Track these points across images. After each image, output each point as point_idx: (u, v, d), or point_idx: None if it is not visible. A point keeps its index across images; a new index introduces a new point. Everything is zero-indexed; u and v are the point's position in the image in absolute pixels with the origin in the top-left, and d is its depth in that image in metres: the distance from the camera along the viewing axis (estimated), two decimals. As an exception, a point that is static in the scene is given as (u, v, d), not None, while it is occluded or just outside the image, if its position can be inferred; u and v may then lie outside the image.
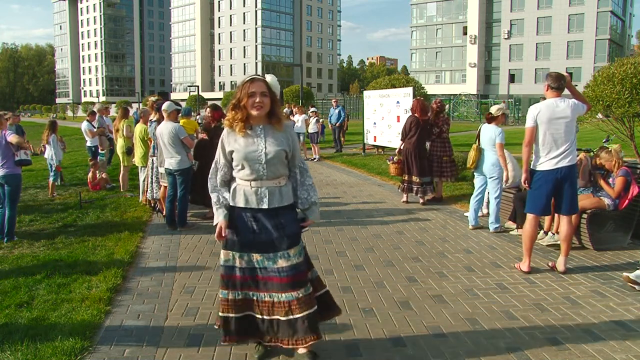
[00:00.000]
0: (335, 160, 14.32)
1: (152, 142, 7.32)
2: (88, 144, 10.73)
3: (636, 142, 8.06)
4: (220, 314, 3.06)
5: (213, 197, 3.04)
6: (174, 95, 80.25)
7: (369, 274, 4.80)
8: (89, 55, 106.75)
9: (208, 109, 7.54)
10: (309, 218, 3.07)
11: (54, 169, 9.71)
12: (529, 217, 4.83)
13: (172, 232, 6.48)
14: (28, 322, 3.74)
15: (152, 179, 7.37)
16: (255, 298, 3.00)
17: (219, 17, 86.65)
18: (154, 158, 7.21)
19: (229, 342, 3.10)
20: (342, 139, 17.38)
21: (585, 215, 5.46)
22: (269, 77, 2.98)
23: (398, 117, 11.63)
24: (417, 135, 7.85)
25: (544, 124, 4.56)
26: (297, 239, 2.98)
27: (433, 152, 8.19)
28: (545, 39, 57.05)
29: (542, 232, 5.82)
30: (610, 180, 5.59)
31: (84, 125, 10.76)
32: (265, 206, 2.93)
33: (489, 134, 6.24)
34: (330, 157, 15.21)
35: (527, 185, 4.78)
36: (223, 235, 2.98)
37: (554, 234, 5.62)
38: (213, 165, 3.09)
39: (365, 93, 14.18)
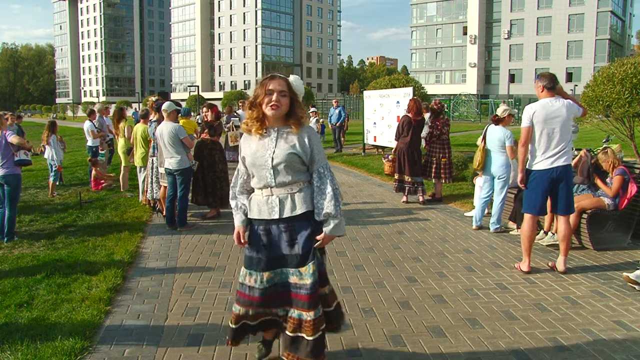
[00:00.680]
0: (335, 160, 14.31)
1: (152, 142, 7.33)
2: (89, 143, 10.73)
3: (636, 142, 8.06)
4: (232, 325, 2.89)
5: (232, 203, 2.92)
6: (174, 95, 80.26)
7: (369, 274, 4.80)
8: (89, 55, 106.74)
9: (204, 108, 7.65)
10: (324, 232, 2.72)
11: (54, 169, 9.71)
12: (526, 217, 4.85)
13: (172, 232, 6.48)
14: (28, 322, 3.74)
15: (152, 179, 7.38)
16: (266, 312, 2.85)
17: (219, 17, 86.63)
18: (154, 158, 7.21)
19: (234, 344, 2.97)
20: (343, 139, 17.37)
21: (585, 215, 5.46)
22: (292, 77, 2.75)
23: (398, 117, 11.61)
24: (410, 135, 7.89)
25: (539, 124, 4.60)
26: (309, 257, 2.69)
27: (432, 153, 8.20)
28: (545, 39, 57.06)
29: (542, 232, 5.82)
30: (608, 180, 5.59)
31: (87, 126, 10.75)
32: (276, 216, 2.71)
33: (498, 135, 6.23)
34: (330, 157, 15.20)
35: (523, 185, 4.79)
36: (242, 241, 2.84)
37: (553, 234, 5.62)
38: (236, 172, 2.93)
39: (365, 93, 14.17)
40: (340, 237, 6.08)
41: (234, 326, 2.87)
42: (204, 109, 7.61)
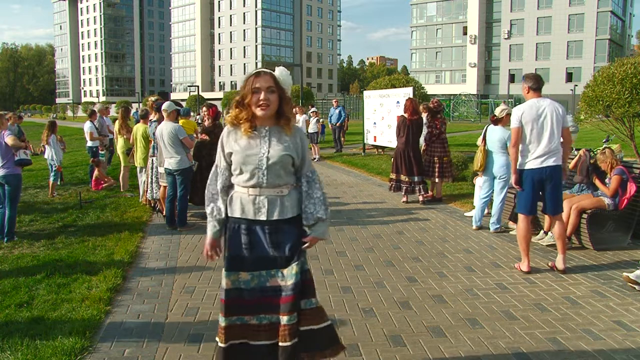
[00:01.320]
0: (335, 160, 14.32)
1: (152, 142, 7.33)
2: (89, 144, 10.72)
3: (636, 142, 8.06)
4: (219, 343, 2.62)
5: (207, 208, 2.69)
6: (174, 95, 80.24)
7: (369, 274, 4.80)
8: (89, 55, 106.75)
9: (204, 108, 7.65)
10: (312, 235, 2.63)
11: (54, 169, 9.71)
12: (520, 217, 4.89)
13: (172, 232, 6.48)
14: (28, 322, 3.73)
15: (152, 179, 7.38)
16: (247, 323, 2.61)
17: (219, 17, 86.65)
18: (154, 158, 7.22)
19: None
20: (343, 139, 17.38)
21: (585, 215, 5.46)
22: (278, 71, 2.59)
23: (398, 117, 11.61)
24: (406, 135, 7.91)
25: (528, 124, 4.65)
26: (294, 259, 2.55)
27: (433, 153, 8.20)
28: (545, 39, 57.05)
29: (542, 232, 5.83)
30: (607, 180, 5.60)
31: (87, 126, 10.73)
32: (263, 217, 2.55)
33: (498, 135, 6.22)
34: (330, 157, 15.21)
35: (518, 186, 4.80)
36: (209, 254, 2.69)
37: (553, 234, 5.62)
38: (213, 169, 2.74)
39: (365, 93, 14.18)
40: (341, 237, 6.11)
41: (223, 345, 2.57)
42: (204, 109, 7.62)
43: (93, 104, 54.37)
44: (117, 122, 9.64)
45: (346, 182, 10.53)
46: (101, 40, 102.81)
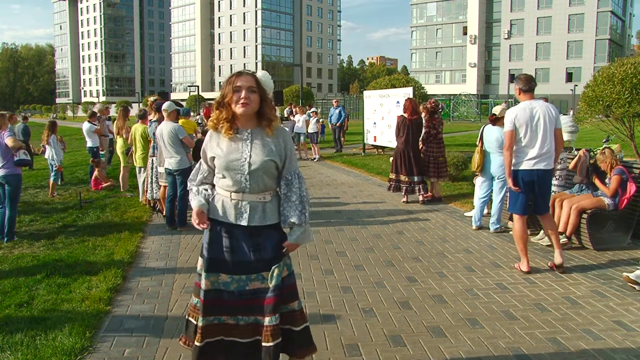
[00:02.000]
0: (335, 160, 14.32)
1: (152, 142, 7.33)
2: (89, 144, 10.71)
3: (636, 142, 8.06)
4: (188, 317, 2.73)
5: (192, 192, 2.67)
6: (174, 95, 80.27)
7: (369, 274, 4.80)
8: (89, 55, 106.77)
9: (204, 108, 7.67)
10: (289, 240, 2.60)
11: (54, 169, 9.71)
12: (515, 217, 4.92)
13: (172, 232, 6.48)
14: (28, 322, 3.73)
15: (152, 179, 7.38)
16: (224, 322, 2.61)
17: (219, 17, 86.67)
18: (154, 158, 7.22)
19: (186, 344, 2.78)
20: (343, 139, 17.38)
21: (585, 215, 5.46)
22: (260, 73, 2.59)
23: (398, 117, 11.61)
24: (405, 135, 7.92)
25: (522, 127, 4.66)
26: (274, 261, 2.56)
27: (430, 153, 8.20)
28: (545, 39, 57.05)
29: (541, 232, 5.82)
30: (607, 180, 5.59)
31: (86, 127, 10.73)
32: (244, 223, 2.54)
33: (495, 135, 6.21)
34: (330, 157, 15.21)
35: (516, 188, 4.78)
36: (198, 222, 2.59)
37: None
38: (194, 170, 2.73)
39: (365, 93, 14.18)
40: (341, 237, 6.10)
41: (199, 344, 2.55)
42: (204, 109, 7.63)
43: (93, 104, 54.39)
44: (116, 122, 9.63)
45: (346, 182, 10.53)
46: (101, 40, 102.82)
